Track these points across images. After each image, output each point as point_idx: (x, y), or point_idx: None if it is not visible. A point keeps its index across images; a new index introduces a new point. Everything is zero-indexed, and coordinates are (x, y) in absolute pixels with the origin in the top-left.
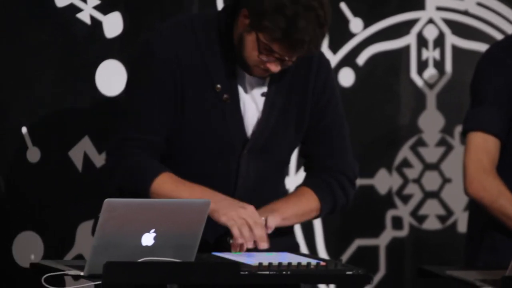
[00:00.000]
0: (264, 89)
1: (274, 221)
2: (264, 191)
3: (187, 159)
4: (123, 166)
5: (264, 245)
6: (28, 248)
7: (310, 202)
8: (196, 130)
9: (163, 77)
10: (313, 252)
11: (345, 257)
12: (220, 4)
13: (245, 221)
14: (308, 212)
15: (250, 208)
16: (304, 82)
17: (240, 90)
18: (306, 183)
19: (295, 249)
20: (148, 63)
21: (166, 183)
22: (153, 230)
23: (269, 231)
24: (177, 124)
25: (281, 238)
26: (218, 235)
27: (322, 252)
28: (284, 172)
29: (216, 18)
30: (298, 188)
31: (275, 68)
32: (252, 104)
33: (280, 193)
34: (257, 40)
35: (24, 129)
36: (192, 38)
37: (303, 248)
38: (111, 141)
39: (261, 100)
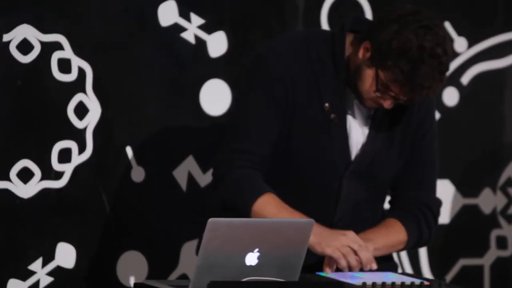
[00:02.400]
0: (371, 112)
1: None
2: (364, 213)
3: (291, 174)
4: (228, 180)
5: (373, 266)
6: (132, 268)
7: (399, 234)
8: (302, 146)
9: (275, 92)
10: (417, 272)
11: (449, 276)
12: (324, 24)
13: (349, 248)
14: (397, 245)
15: (350, 234)
16: (408, 110)
17: (348, 111)
18: (393, 214)
19: (393, 270)
20: (261, 77)
21: (269, 206)
22: (257, 250)
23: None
24: (284, 140)
25: (379, 261)
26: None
27: (426, 272)
28: (384, 195)
29: (331, 38)
30: (386, 218)
31: (388, 105)
32: (357, 126)
33: (379, 216)
34: (376, 76)
35: (128, 149)
36: (305, 55)
37: (407, 267)
38: (220, 151)
39: (366, 123)
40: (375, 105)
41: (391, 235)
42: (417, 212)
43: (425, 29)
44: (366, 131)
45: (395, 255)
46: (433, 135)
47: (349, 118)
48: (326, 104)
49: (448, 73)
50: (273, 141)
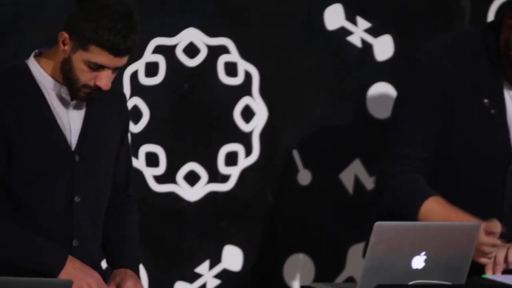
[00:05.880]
0: None
1: None
2: None
3: (453, 173)
4: (392, 186)
5: None
6: (298, 271)
7: None
8: (463, 144)
9: (431, 95)
10: None
11: None
12: None
13: None
14: None
15: None
16: None
17: (507, 105)
18: None
19: None
20: (416, 81)
21: (435, 208)
22: (423, 253)
23: None
24: (446, 141)
25: None
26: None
27: None
28: None
29: (482, 34)
30: None
31: None
32: None
33: None
34: None
35: (295, 152)
36: (459, 54)
37: None
38: (383, 159)
39: None
40: None
41: None
42: None
43: None
44: None
45: None
46: None
47: (509, 111)
48: (485, 100)
49: None
50: (432, 144)
